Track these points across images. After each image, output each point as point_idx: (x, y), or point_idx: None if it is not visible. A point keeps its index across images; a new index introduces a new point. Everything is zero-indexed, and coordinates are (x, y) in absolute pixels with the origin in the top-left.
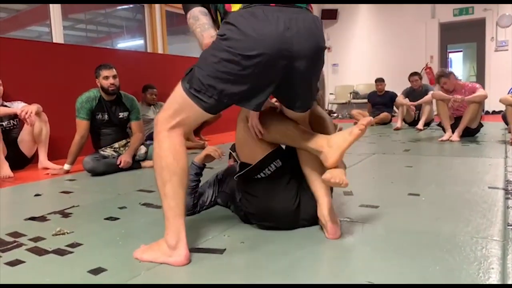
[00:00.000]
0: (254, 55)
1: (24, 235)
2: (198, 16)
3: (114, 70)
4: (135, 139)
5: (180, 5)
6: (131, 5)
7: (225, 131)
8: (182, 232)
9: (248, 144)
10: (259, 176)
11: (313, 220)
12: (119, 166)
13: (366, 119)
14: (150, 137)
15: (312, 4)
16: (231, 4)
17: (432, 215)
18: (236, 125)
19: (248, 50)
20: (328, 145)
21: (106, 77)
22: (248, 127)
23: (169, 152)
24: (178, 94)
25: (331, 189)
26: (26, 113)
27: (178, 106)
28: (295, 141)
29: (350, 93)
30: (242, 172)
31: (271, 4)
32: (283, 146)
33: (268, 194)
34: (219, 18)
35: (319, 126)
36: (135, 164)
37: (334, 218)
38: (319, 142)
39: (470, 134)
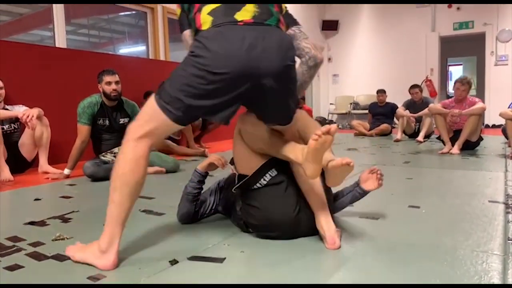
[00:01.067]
0: (220, 72)
1: (24, 240)
2: (188, 41)
3: (116, 76)
4: None
5: None
6: (133, 11)
7: (226, 138)
8: (116, 240)
9: (244, 156)
10: (256, 186)
11: (316, 230)
12: None
13: (325, 127)
14: None
15: (311, 15)
16: (201, 22)
17: (432, 228)
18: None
19: (215, 68)
20: (302, 157)
21: (109, 83)
22: (243, 140)
23: (129, 163)
24: (150, 105)
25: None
26: (28, 116)
27: (148, 116)
28: (279, 152)
29: (351, 103)
30: (239, 184)
31: (238, 23)
32: None
33: (268, 204)
34: (193, 34)
35: (304, 132)
36: None
37: (333, 228)
38: (296, 153)
39: (470, 147)
